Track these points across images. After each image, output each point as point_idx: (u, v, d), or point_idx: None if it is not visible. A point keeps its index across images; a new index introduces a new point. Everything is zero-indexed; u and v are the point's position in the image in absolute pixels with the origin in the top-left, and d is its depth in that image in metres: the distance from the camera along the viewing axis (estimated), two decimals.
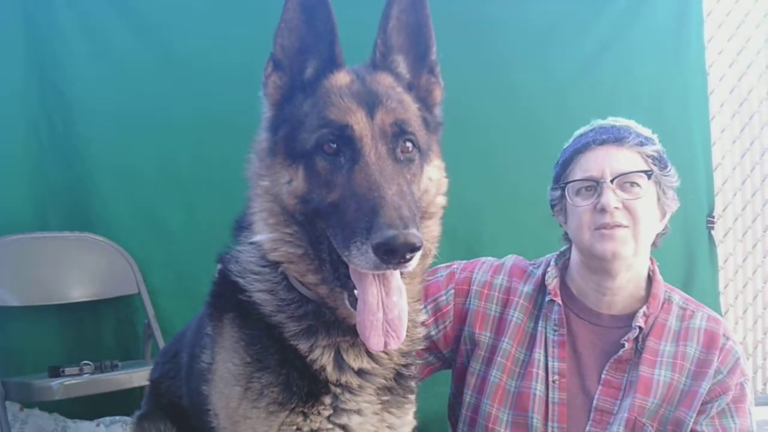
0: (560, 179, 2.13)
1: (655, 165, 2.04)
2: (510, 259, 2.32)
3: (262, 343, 1.51)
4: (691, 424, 1.97)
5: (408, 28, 1.52)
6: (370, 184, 1.34)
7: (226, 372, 1.55)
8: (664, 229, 2.15)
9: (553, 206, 2.20)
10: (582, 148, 2.08)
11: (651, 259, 2.15)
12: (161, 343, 3.39)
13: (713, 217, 4.84)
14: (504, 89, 4.32)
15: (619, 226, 1.99)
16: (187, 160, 3.56)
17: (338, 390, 1.51)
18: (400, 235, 1.25)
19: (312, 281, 1.48)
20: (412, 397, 1.64)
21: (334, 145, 1.41)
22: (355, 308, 1.39)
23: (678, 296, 2.14)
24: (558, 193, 2.14)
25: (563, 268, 2.21)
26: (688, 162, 4.76)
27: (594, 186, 2.03)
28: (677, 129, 4.71)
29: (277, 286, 1.53)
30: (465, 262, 2.34)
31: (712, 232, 4.83)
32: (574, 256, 2.15)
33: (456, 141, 4.10)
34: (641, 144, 2.04)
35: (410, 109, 1.51)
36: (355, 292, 1.38)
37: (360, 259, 1.30)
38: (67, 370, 3.16)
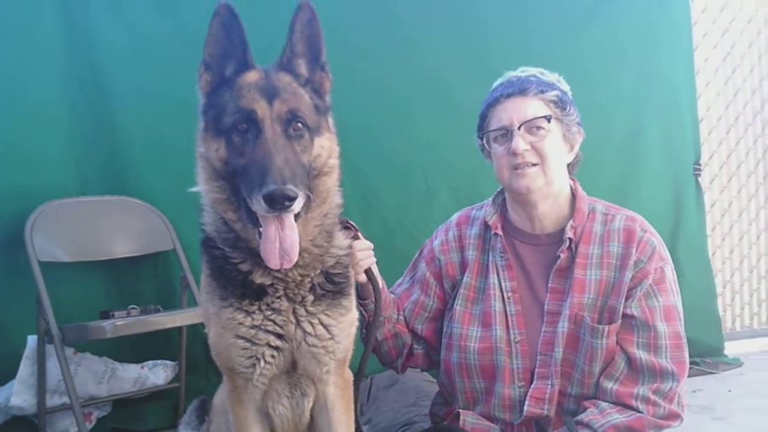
0: (481, 129, 2.47)
1: (557, 108, 2.34)
2: (455, 216, 2.68)
3: (213, 261, 2.01)
4: (621, 308, 2.27)
5: (306, 38, 1.95)
6: (265, 153, 1.77)
7: (201, 283, 2.10)
8: (576, 158, 2.45)
9: (482, 152, 2.53)
10: (493, 102, 2.41)
11: (573, 179, 2.46)
12: (197, 294, 3.64)
13: (700, 165, 5.15)
14: (517, 34, 4.67)
15: (529, 164, 2.32)
16: None
17: (269, 291, 1.97)
18: (278, 189, 1.69)
19: (231, 218, 1.93)
20: (345, 302, 2.09)
21: (245, 125, 1.83)
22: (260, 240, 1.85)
23: (601, 206, 2.44)
24: (480, 141, 2.47)
25: (503, 205, 2.53)
26: (675, 114, 5.08)
27: (506, 133, 2.35)
28: (664, 84, 5.05)
29: (216, 218, 1.99)
30: (428, 240, 2.73)
31: (699, 179, 5.15)
32: (507, 193, 2.49)
33: (447, 111, 4.50)
34: (542, 91, 2.33)
35: (302, 100, 1.91)
36: (260, 229, 1.82)
37: (256, 206, 1.74)
38: (117, 314, 3.49)
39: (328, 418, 2.16)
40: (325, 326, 2.03)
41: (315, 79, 1.99)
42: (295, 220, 1.84)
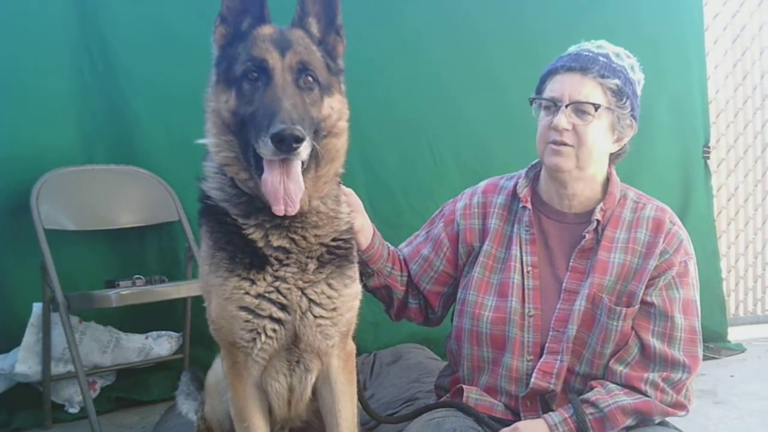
0: (537, 93, 2.41)
1: (614, 97, 2.27)
2: (483, 182, 2.64)
3: (219, 231, 2.00)
4: (641, 295, 2.27)
5: (321, 1, 2.00)
6: (274, 97, 1.80)
7: (201, 256, 2.10)
8: (621, 149, 2.41)
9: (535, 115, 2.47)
10: (554, 70, 2.34)
11: (610, 165, 2.42)
12: None
13: (709, 148, 5.12)
14: (512, 27, 4.66)
15: (565, 144, 2.28)
16: None
17: (274, 261, 1.97)
18: (288, 128, 1.71)
19: (243, 178, 1.95)
20: (350, 272, 2.11)
21: (255, 74, 1.86)
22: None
23: (633, 193, 2.42)
24: (533, 105, 2.42)
25: (535, 179, 2.51)
26: (685, 96, 5.05)
27: (554, 106, 2.30)
28: (675, 66, 4.99)
29: (225, 185, 1.99)
30: (451, 200, 2.68)
31: (708, 161, 5.13)
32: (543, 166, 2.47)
33: (466, 79, 4.48)
34: (603, 76, 2.26)
35: (314, 55, 1.94)
36: (264, 176, 1.82)
37: (263, 148, 1.76)
38: (122, 283, 3.52)
39: (331, 390, 2.17)
40: (329, 296, 2.04)
41: (328, 41, 2.01)
42: (303, 176, 1.86)
